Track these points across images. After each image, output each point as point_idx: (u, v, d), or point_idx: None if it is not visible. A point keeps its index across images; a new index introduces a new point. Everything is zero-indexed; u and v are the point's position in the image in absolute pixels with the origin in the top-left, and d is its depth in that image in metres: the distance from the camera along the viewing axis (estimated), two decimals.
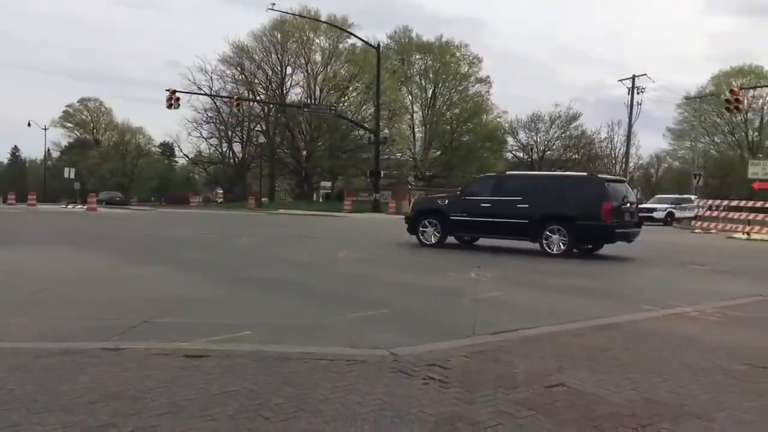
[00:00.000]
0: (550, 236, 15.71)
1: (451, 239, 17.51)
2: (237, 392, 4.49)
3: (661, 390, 4.91)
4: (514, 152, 74.81)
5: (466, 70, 72.02)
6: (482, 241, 18.15)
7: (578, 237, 15.68)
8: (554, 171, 71.04)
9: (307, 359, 5.36)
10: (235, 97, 48.92)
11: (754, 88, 65.96)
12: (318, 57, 66.73)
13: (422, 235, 17.38)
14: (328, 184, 69.07)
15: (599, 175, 17.06)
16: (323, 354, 5.55)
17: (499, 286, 10.26)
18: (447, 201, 17.64)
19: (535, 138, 71.71)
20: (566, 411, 4.36)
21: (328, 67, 66.31)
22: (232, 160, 74.51)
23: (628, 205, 16.33)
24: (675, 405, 4.58)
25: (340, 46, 66.22)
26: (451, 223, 17.06)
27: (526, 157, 70.68)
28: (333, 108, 50.22)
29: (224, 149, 74.05)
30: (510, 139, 74.20)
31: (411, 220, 18.07)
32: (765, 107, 75.72)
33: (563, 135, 71.59)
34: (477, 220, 16.70)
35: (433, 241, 17.15)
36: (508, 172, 22.06)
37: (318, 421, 4.00)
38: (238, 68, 67.58)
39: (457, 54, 71.64)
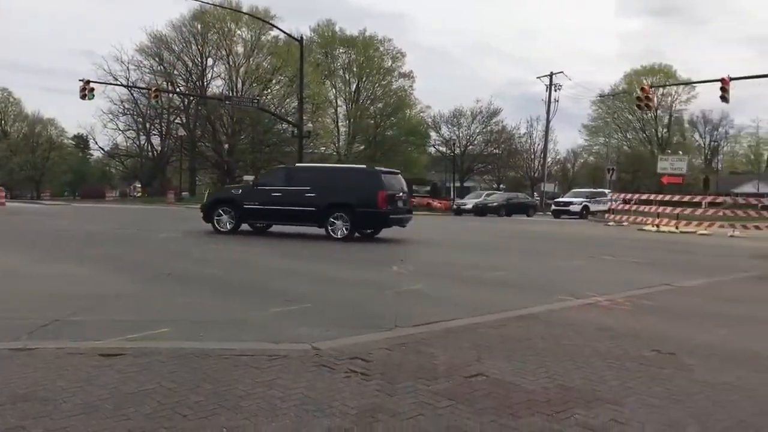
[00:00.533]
0: (335, 222, 17.48)
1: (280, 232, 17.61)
2: (154, 391, 4.38)
3: (574, 377, 5.09)
4: (437, 147, 75.70)
5: (389, 64, 72.29)
6: (276, 228, 19.35)
7: (358, 223, 17.70)
8: (476, 166, 72.48)
9: (228, 355, 5.28)
10: (153, 89, 47.52)
11: (664, 86, 69.07)
12: (240, 49, 65.58)
13: (218, 223, 18.51)
14: (251, 177, 68.04)
15: (375, 168, 18.98)
16: (244, 349, 5.48)
17: (420, 278, 10.38)
18: (241, 191, 19.06)
19: (457, 133, 72.73)
20: (485, 400, 4.46)
21: (251, 59, 65.24)
22: (150, 154, 72.41)
23: (401, 194, 18.32)
24: (587, 391, 4.75)
25: (263, 38, 65.24)
26: (245, 212, 18.36)
27: (448, 151, 71.61)
28: (256, 101, 49.40)
29: (142, 142, 71.92)
30: (433, 134, 75.03)
31: (206, 209, 19.11)
32: (674, 105, 79.37)
33: (484, 130, 72.88)
34: (269, 209, 18.15)
35: (229, 228, 18.33)
36: (297, 165, 24.01)
37: (238, 418, 3.95)
38: (157, 59, 65.65)
39: (381, 48, 71.81)
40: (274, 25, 55.70)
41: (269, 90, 66.56)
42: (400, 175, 19.36)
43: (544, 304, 8.36)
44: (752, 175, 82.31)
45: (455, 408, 4.27)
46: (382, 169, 18.86)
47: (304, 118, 50.58)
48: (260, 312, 7.32)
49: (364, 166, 20.54)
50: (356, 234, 17.93)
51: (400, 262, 12.44)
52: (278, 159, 64.26)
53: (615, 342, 6.31)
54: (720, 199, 30.81)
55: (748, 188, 75.80)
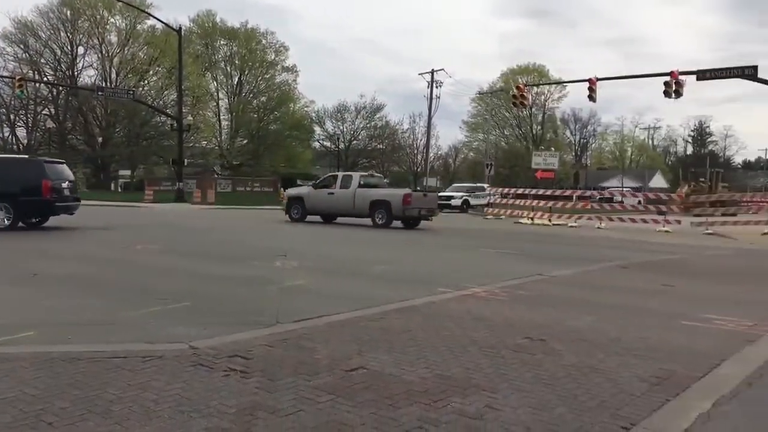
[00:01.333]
0: None
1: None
2: (15, 398, 4.11)
3: (452, 366, 5.23)
4: (321, 141, 75.62)
5: (272, 57, 71.41)
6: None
7: (23, 212, 17.76)
8: (361, 160, 72.91)
9: (98, 358, 5.04)
10: (18, 77, 44.44)
11: (537, 85, 72.29)
12: (114, 38, 62.67)
13: None
14: (128, 172, 65.28)
15: (39, 158, 19.44)
16: (115, 352, 5.25)
17: (303, 273, 10.33)
18: None
19: (341, 128, 73.01)
20: (365, 392, 4.50)
21: (126, 48, 62.50)
22: (15, 147, 67.79)
23: (67, 183, 18.40)
24: (464, 379, 4.90)
25: (139, 27, 62.68)
26: None
27: (333, 146, 71.70)
28: (131, 92, 47.28)
29: (6, 134, 67.19)
30: (317, 129, 74.87)
31: None
32: (547, 103, 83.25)
33: (368, 125, 73.59)
34: None
35: None
36: None
37: (108, 423, 3.78)
38: (21, 46, 61.54)
39: (264, 41, 70.79)
40: (150, 14, 53.63)
41: (146, 81, 64.06)
42: (65, 165, 19.58)
43: (425, 296, 8.55)
44: (617, 171, 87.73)
45: (336, 402, 4.29)
46: (46, 158, 19.28)
47: (184, 111, 49.07)
48: (134, 312, 7.03)
49: (26, 155, 21.07)
50: (20, 223, 17.85)
51: (283, 257, 12.32)
52: (157, 153, 62.06)
53: (491, 331, 6.55)
54: (588, 193, 32.69)
55: (614, 183, 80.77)
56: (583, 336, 6.46)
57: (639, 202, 33.28)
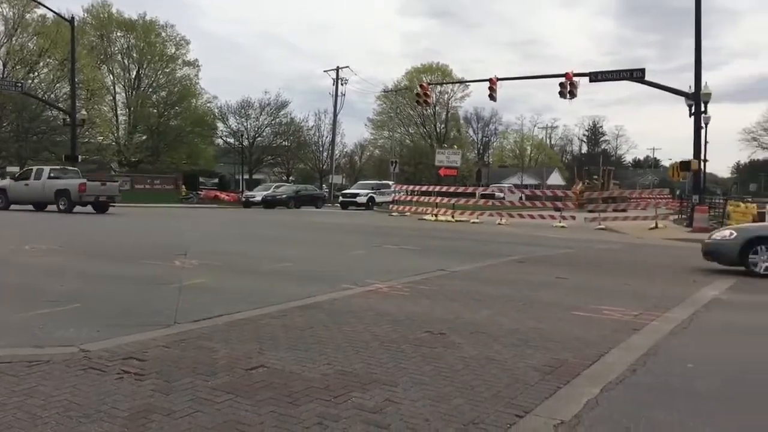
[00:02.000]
0: None
1: None
2: None
3: (353, 362, 5.26)
4: (224, 138, 74.06)
5: (173, 51, 69.13)
6: None
7: None
8: (266, 158, 71.94)
9: None
10: None
11: (441, 84, 73.50)
12: (0, 27, 59.03)
13: None
14: (16, 169, 61.68)
15: None
16: None
17: (204, 272, 10.10)
18: None
19: (245, 124, 71.73)
20: (265, 391, 4.45)
21: (13, 38, 58.96)
22: None
23: None
24: (365, 374, 4.93)
25: (28, 16, 59.25)
26: None
27: (237, 143, 70.34)
28: (19, 84, 44.71)
29: None
30: (220, 125, 73.27)
31: None
32: (450, 102, 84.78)
33: (273, 122, 72.65)
34: None
35: None
36: None
37: None
38: None
39: (163, 34, 68.40)
40: (40, 3, 50.91)
41: (36, 73, 60.65)
42: None
43: (329, 292, 8.54)
44: (517, 169, 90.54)
45: (234, 401, 4.22)
46: None
47: (78, 105, 46.92)
48: (21, 314, 6.67)
49: None
50: None
51: (183, 256, 12.00)
52: (48, 148, 59.00)
53: (393, 326, 6.63)
54: (489, 190, 33.62)
55: (514, 180, 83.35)
56: (482, 328, 6.64)
57: (520, 199, 34.40)
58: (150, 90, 68.06)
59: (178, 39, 69.33)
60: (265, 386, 4.55)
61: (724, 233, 12.72)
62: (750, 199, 41.27)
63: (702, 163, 30.20)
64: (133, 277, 9.48)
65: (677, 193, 42.92)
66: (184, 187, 50.32)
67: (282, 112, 73.03)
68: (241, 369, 4.92)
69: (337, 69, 60.48)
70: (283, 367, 5.03)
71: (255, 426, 3.82)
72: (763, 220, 22.77)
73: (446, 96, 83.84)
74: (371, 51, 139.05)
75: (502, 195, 31.39)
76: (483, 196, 31.37)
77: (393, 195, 37.04)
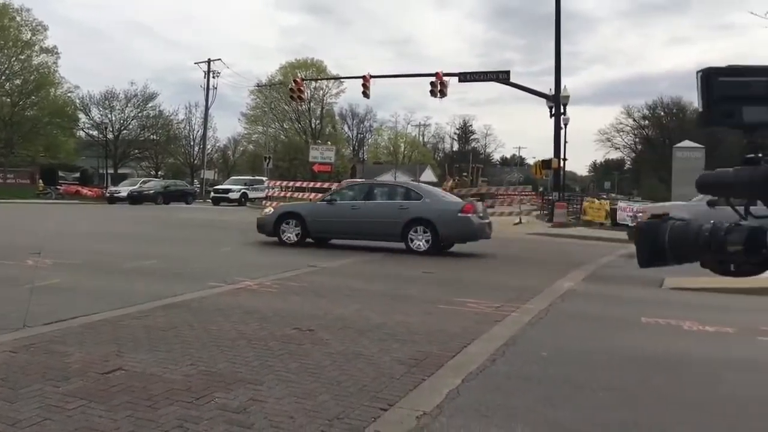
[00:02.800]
0: None
1: None
2: None
3: (218, 361, 5.14)
4: (86, 130, 70.11)
5: (29, 37, 64.54)
6: None
7: None
8: (132, 152, 68.88)
9: None
10: None
11: (316, 80, 73.32)
12: None
13: None
14: None
15: None
16: None
17: (60, 272, 9.52)
18: None
19: (110, 116, 68.26)
20: (121, 395, 4.26)
21: None
22: None
23: None
24: (229, 373, 4.83)
25: None
26: None
27: (100, 136, 66.84)
28: None
29: None
30: (83, 116, 69.29)
31: None
32: (325, 98, 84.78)
33: (140, 114, 69.61)
34: None
35: None
36: None
37: None
38: None
39: (18, 18, 63.76)
40: None
41: None
42: None
43: (195, 291, 8.30)
44: (392, 165, 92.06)
45: (87, 407, 4.01)
46: None
47: None
48: None
49: None
50: None
51: (36, 254, 11.25)
52: None
53: (261, 323, 6.54)
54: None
55: (388, 176, 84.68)
56: (350, 324, 6.69)
57: None
58: (3, 78, 63.28)
59: (34, 24, 64.89)
60: (123, 390, 4.36)
61: (267, 210, 16.19)
62: (605, 196, 44.26)
63: (562, 162, 32.01)
64: None
65: (540, 190, 45.19)
66: (41, 181, 47.28)
67: (150, 105, 70.09)
68: (96, 373, 4.68)
69: (209, 61, 58.88)
70: (143, 369, 4.83)
71: None
72: (615, 215, 24.51)
73: (321, 92, 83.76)
74: (247, 45, 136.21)
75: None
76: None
77: (266, 191, 36.57)
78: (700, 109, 1.51)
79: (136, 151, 70.39)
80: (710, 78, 1.48)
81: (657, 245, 1.50)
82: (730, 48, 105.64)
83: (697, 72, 1.49)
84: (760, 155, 1.45)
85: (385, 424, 4.03)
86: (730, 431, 4.26)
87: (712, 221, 1.44)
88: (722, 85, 1.47)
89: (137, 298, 7.61)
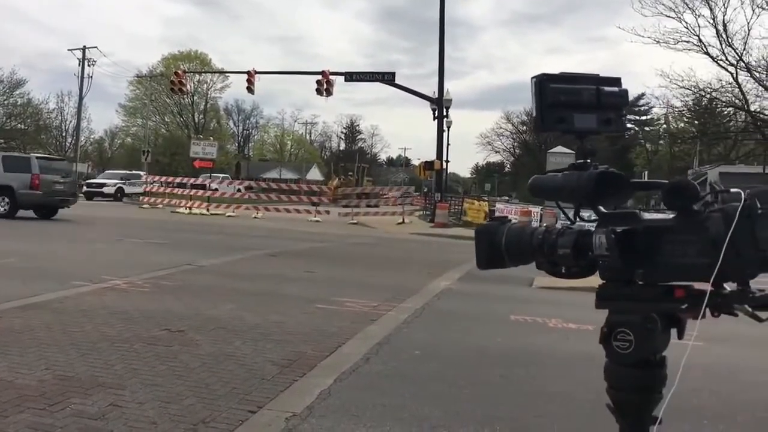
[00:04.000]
0: None
1: None
2: None
3: (77, 365, 4.87)
4: None
5: None
6: None
7: None
8: None
9: None
10: None
11: (200, 73, 71.50)
12: None
13: None
14: None
15: None
16: None
17: None
18: None
19: None
20: None
21: None
22: None
23: None
24: (89, 378, 4.58)
25: None
26: None
27: None
28: None
29: None
30: None
31: None
32: (210, 92, 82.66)
33: (6, 102, 65.09)
34: None
35: None
36: None
37: None
38: None
39: None
40: None
41: None
42: None
43: (57, 291, 7.82)
44: (277, 163, 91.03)
45: None
46: None
47: None
48: None
49: None
50: None
51: None
52: None
53: (127, 325, 6.26)
54: (246, 183, 33.30)
55: (274, 174, 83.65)
56: (223, 324, 6.53)
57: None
58: None
59: None
60: None
61: None
62: (485, 198, 45.79)
63: (444, 164, 32.82)
64: None
65: (425, 190, 46.10)
66: None
67: (17, 92, 65.67)
68: None
69: (84, 48, 55.91)
70: None
71: None
72: (493, 215, 25.41)
73: (205, 86, 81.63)
74: (129, 33, 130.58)
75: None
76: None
77: (144, 186, 35.14)
78: (533, 114, 1.56)
79: (1, 141, 65.76)
80: (543, 84, 1.52)
81: (494, 247, 1.54)
82: (605, 59, 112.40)
83: (532, 78, 1.54)
84: (588, 161, 1.52)
85: (252, 427, 3.96)
86: (587, 420, 4.48)
87: (545, 224, 1.49)
88: (554, 91, 1.52)
89: None
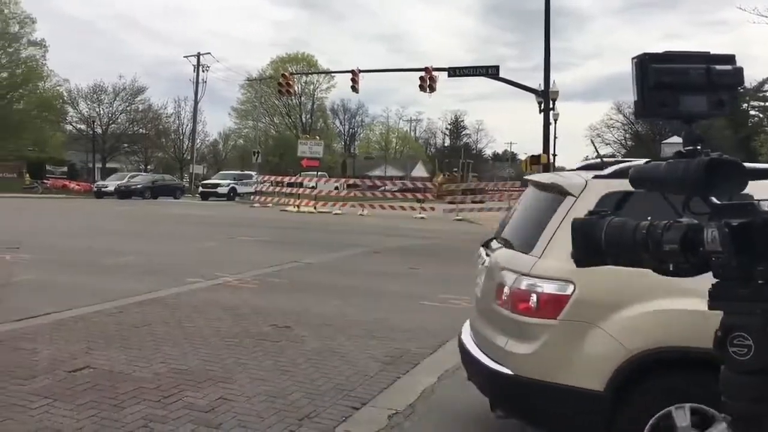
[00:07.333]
0: None
1: None
2: None
3: (190, 359, 5.05)
4: (74, 124, 69.58)
5: (16, 30, 64.02)
6: None
7: None
8: (121, 146, 68.43)
9: None
10: None
11: (307, 74, 73.16)
12: None
13: None
14: None
15: None
16: None
17: (37, 267, 9.39)
18: None
19: (98, 110, 67.77)
20: (87, 394, 4.18)
21: None
22: None
23: None
24: (201, 372, 4.75)
25: None
26: None
27: (88, 130, 66.39)
28: None
29: None
30: (71, 110, 68.73)
31: None
32: (316, 93, 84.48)
33: (128, 108, 69.13)
34: None
35: None
36: None
37: None
38: None
39: (6, 11, 63.23)
40: None
41: None
42: None
43: (172, 287, 8.19)
44: (383, 160, 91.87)
45: (51, 406, 3.93)
46: None
47: None
48: None
49: None
50: None
51: (15, 249, 11.10)
52: None
53: (237, 320, 6.45)
54: (351, 181, 33.79)
55: (379, 172, 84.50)
56: (328, 321, 6.60)
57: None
58: None
59: (22, 17, 64.32)
60: (89, 389, 4.27)
61: None
62: None
63: (552, 157, 31.94)
64: None
65: None
66: (27, 175, 46.92)
67: (138, 98, 69.60)
68: (64, 371, 4.59)
69: (198, 55, 58.49)
70: (111, 367, 4.74)
71: None
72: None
73: (312, 87, 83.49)
74: (240, 40, 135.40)
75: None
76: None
77: (255, 186, 36.32)
78: (635, 98, 1.42)
79: (125, 145, 69.94)
80: (645, 65, 1.38)
81: (593, 243, 1.41)
82: (725, 44, 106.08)
83: (632, 58, 1.40)
84: (698, 147, 1.37)
85: (355, 424, 3.97)
86: None
87: (648, 218, 1.36)
88: (658, 72, 1.38)
89: (113, 294, 7.50)
